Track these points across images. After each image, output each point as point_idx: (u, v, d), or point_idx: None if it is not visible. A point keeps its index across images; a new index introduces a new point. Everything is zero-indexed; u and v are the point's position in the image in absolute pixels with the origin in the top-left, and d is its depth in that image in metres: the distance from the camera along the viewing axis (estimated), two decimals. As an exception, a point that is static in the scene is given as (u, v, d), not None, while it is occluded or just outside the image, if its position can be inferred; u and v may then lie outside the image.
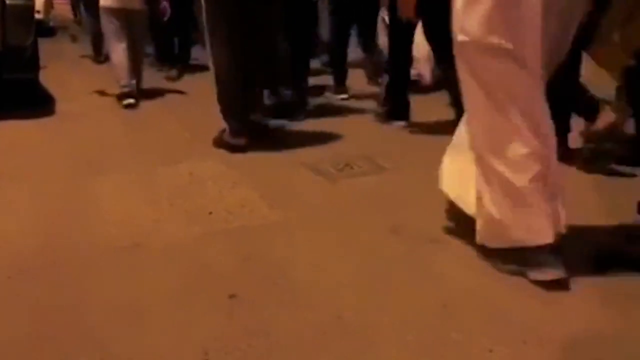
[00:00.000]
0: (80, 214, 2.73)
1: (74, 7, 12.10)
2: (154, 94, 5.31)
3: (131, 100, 4.83)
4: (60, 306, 1.99)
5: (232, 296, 2.01)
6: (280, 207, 2.75)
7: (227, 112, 3.64)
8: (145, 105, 4.95)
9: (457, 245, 2.36)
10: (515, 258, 2.10)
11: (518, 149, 2.04)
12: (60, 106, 4.84)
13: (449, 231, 2.45)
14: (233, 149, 3.59)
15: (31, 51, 4.53)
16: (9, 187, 3.06)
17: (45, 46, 5.24)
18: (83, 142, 3.90)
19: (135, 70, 5.00)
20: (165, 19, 5.63)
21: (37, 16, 6.43)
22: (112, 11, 4.86)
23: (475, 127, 2.18)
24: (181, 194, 2.93)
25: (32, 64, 4.64)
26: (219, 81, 3.62)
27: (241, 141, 3.61)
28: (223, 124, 3.68)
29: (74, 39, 8.55)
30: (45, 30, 8.53)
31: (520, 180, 2.04)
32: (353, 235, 2.47)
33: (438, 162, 3.22)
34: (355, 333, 1.82)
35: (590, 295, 2.01)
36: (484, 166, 2.13)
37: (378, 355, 1.72)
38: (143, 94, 5.08)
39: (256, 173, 3.21)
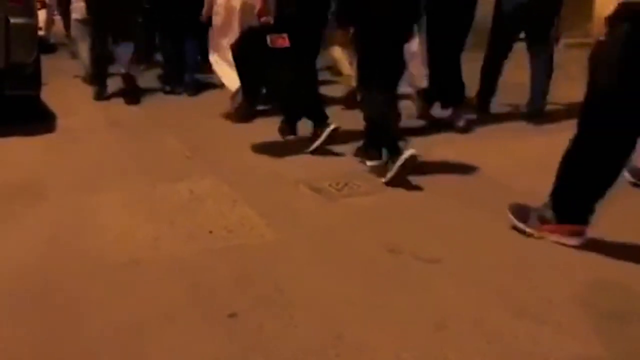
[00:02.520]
0: (80, 230, 2.75)
1: (65, 22, 12.02)
2: (154, 108, 5.37)
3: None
4: (58, 323, 2.00)
5: (231, 315, 2.02)
6: (280, 226, 2.77)
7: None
8: (145, 121, 4.99)
9: (454, 265, 2.38)
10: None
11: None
12: (61, 122, 4.87)
13: (447, 251, 2.48)
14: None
15: (33, 68, 4.58)
16: (8, 203, 3.08)
17: (46, 63, 5.27)
18: (84, 158, 3.93)
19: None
20: None
21: (39, 33, 6.49)
22: (80, 21, 6.51)
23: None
24: (181, 212, 2.95)
25: (35, 80, 4.69)
26: None
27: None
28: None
29: (74, 55, 8.57)
30: (46, 46, 8.57)
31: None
32: (351, 255, 2.49)
33: (434, 183, 3.28)
34: (354, 352, 1.83)
35: (585, 316, 2.03)
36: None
37: (376, 374, 1.74)
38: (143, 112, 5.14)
39: (256, 191, 3.23)
